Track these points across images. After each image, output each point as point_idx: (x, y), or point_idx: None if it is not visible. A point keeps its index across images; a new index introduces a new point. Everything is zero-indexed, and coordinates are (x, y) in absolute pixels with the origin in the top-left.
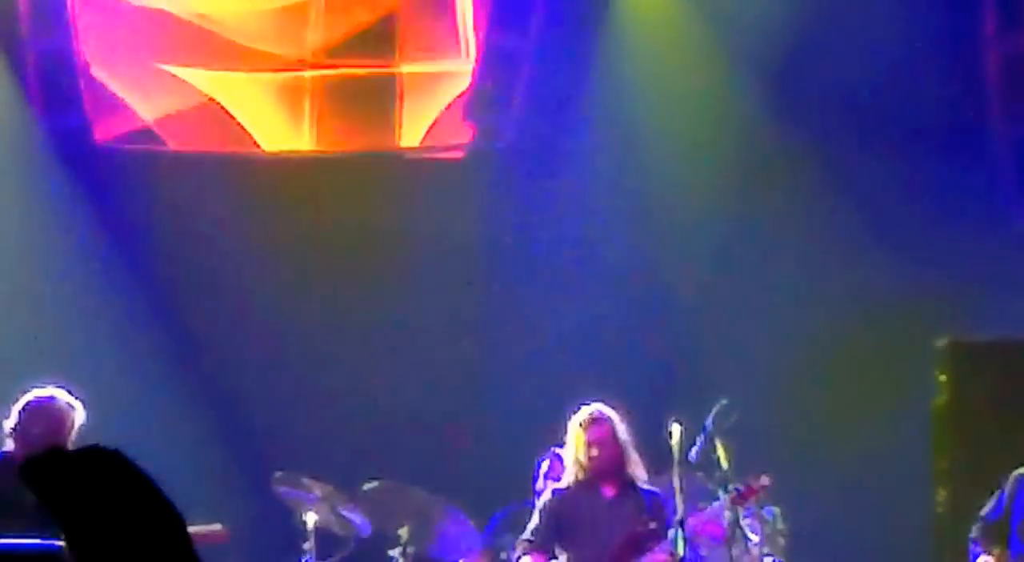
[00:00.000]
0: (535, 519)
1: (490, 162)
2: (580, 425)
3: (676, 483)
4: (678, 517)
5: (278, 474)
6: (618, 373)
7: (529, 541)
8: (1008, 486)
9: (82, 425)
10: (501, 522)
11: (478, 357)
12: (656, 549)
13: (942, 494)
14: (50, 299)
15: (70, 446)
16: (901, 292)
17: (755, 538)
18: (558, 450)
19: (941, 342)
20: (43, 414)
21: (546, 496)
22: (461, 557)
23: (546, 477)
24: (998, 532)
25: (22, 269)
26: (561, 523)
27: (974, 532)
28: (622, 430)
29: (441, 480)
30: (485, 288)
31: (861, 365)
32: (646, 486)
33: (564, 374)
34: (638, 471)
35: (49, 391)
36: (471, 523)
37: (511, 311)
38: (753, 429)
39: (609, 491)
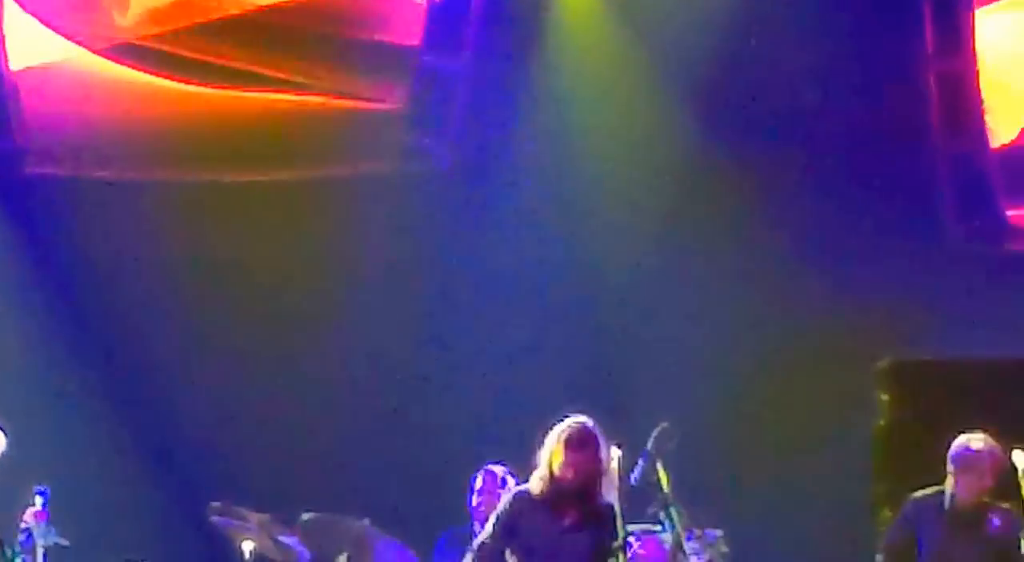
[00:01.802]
0: (490, 524)
1: (427, 183)
2: (563, 442)
3: (616, 507)
4: (618, 542)
5: (213, 505)
6: (556, 395)
7: (476, 551)
8: (907, 511)
9: (4, 454)
10: (444, 547)
11: (413, 383)
12: None
13: (885, 515)
14: None
15: None
16: (841, 311)
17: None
18: (491, 466)
19: (882, 362)
20: None
21: (506, 500)
22: None
23: (479, 493)
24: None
25: None
26: (515, 534)
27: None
28: (604, 454)
29: (380, 507)
30: (422, 309)
31: (802, 386)
32: (603, 500)
33: (502, 396)
34: (609, 494)
35: None
36: (410, 551)
37: (448, 333)
38: (694, 452)
39: (571, 516)
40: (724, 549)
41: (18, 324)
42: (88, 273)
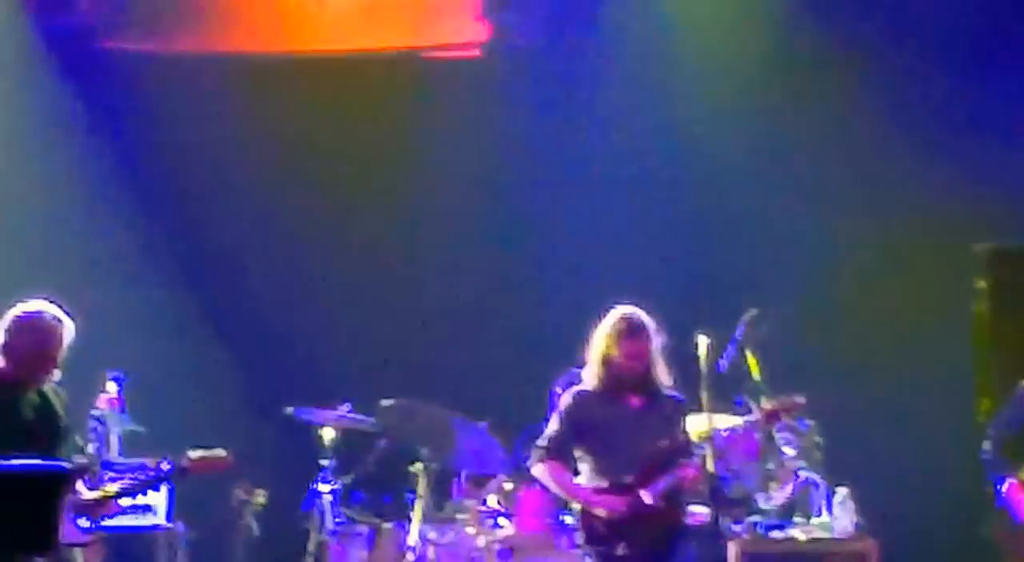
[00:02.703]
0: (553, 423)
1: (509, 62)
2: (617, 332)
3: (704, 397)
4: (709, 433)
5: (290, 410)
6: (644, 282)
7: (545, 448)
8: (1022, 393)
9: (71, 341)
10: (526, 443)
11: (500, 267)
12: (684, 463)
13: (984, 405)
14: (48, 213)
15: (58, 363)
16: (940, 196)
17: (790, 452)
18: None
19: (981, 248)
20: (30, 329)
21: (567, 400)
22: (489, 472)
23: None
24: (1018, 447)
25: (16, 179)
26: (583, 428)
27: (990, 450)
28: (657, 341)
29: (465, 398)
30: (506, 192)
31: (899, 272)
32: (671, 392)
33: (589, 285)
34: (664, 378)
35: (37, 305)
36: (495, 439)
37: (533, 217)
38: (785, 339)
39: (636, 401)
40: (817, 439)
41: (92, 207)
42: (164, 153)
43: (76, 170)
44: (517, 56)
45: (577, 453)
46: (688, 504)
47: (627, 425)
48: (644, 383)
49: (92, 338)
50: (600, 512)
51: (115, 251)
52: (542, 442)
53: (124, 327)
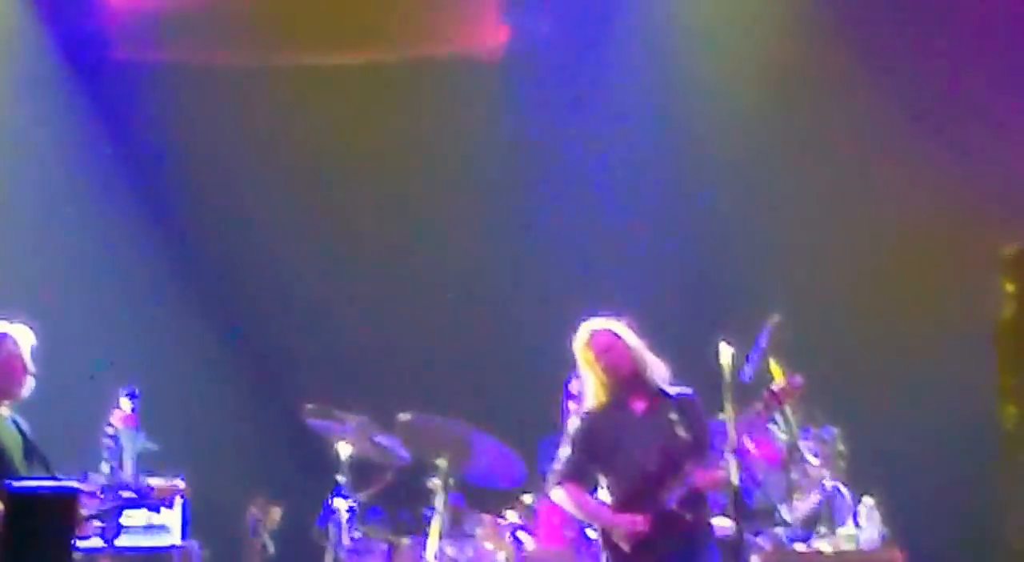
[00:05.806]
0: (565, 447)
1: (527, 64)
2: (584, 343)
3: (728, 407)
4: (731, 443)
5: (309, 406)
6: (661, 289)
7: (560, 471)
8: None
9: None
10: (549, 449)
11: (513, 276)
12: (703, 466)
13: (1010, 411)
14: (58, 224)
15: (30, 371)
16: (966, 197)
17: (815, 461)
18: None
19: (1008, 250)
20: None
21: (573, 422)
22: (506, 484)
23: (574, 398)
24: None
25: (29, 189)
26: (593, 446)
27: None
28: (629, 335)
29: (478, 410)
30: (522, 199)
31: (924, 275)
32: (675, 389)
33: (603, 291)
34: (660, 373)
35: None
36: (512, 452)
37: (548, 221)
38: (809, 346)
39: (639, 405)
40: (841, 447)
41: (103, 217)
42: (177, 165)
43: (89, 180)
44: (530, 59)
45: (596, 471)
46: (712, 510)
47: (633, 434)
48: (641, 386)
49: (106, 353)
50: (621, 532)
51: (128, 264)
52: (556, 466)
53: (137, 342)
